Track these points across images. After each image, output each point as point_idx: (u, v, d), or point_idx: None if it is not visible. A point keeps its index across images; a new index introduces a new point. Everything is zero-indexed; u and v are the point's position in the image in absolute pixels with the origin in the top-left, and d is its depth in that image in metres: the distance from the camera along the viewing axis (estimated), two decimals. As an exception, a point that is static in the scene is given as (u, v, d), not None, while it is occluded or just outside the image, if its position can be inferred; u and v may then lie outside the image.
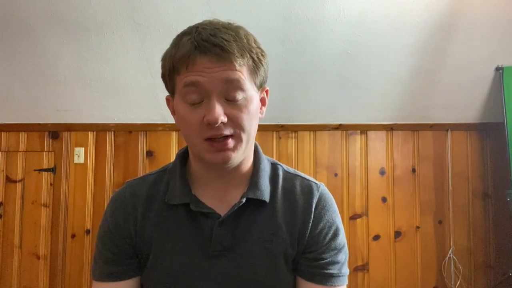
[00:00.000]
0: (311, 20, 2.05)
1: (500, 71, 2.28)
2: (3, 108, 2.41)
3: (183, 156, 0.87)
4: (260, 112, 0.81)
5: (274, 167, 0.86)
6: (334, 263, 0.79)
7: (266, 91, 0.84)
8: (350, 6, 2.01)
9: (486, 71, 2.31)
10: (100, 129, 2.49)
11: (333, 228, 0.80)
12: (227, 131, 0.72)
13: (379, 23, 2.09)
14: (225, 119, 0.70)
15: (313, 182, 0.86)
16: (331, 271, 0.78)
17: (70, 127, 2.48)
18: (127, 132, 2.50)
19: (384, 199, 2.50)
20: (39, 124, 2.47)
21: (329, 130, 2.52)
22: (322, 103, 2.42)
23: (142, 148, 2.49)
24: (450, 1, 2.02)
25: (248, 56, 0.74)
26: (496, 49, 2.23)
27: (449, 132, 2.53)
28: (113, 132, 2.50)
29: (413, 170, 2.53)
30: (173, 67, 0.74)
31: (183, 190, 0.79)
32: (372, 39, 2.14)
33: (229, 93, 0.71)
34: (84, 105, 2.40)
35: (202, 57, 0.70)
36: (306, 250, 0.78)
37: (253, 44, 0.76)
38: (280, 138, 2.52)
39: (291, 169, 0.88)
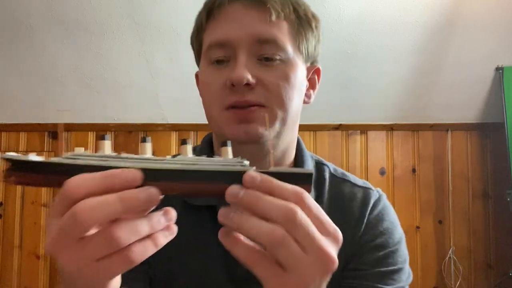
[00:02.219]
0: (311, 20, 2.05)
1: (500, 71, 2.28)
2: (3, 108, 2.41)
3: (210, 142, 0.69)
4: (306, 95, 0.65)
5: (319, 167, 0.71)
6: (387, 277, 0.62)
7: (318, 71, 0.68)
8: (350, 6, 2.01)
9: (486, 71, 2.31)
10: (100, 129, 2.48)
11: (390, 239, 0.64)
12: (254, 98, 0.55)
13: (379, 23, 2.08)
14: (252, 80, 0.54)
15: (368, 188, 0.70)
16: (383, 286, 0.60)
17: (70, 127, 2.48)
18: (127, 132, 2.49)
19: (384, 199, 2.50)
20: (39, 124, 2.47)
21: (329, 130, 2.52)
22: (322, 103, 2.42)
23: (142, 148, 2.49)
24: (450, 1, 2.02)
25: (292, 8, 0.58)
26: (496, 49, 2.22)
27: (449, 132, 2.53)
28: (113, 132, 2.49)
29: (413, 170, 2.53)
30: (200, 24, 0.62)
31: None
32: (372, 39, 2.14)
33: (262, 50, 0.56)
34: (84, 105, 2.40)
35: (232, 1, 0.57)
36: (351, 266, 0.62)
37: (302, 1, 0.62)
38: (280, 138, 2.52)
39: (340, 171, 0.73)
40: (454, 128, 2.53)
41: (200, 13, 0.62)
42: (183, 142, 0.43)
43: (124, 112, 2.43)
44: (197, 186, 0.41)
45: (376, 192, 0.70)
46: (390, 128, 2.53)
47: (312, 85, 0.68)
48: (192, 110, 2.32)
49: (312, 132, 2.52)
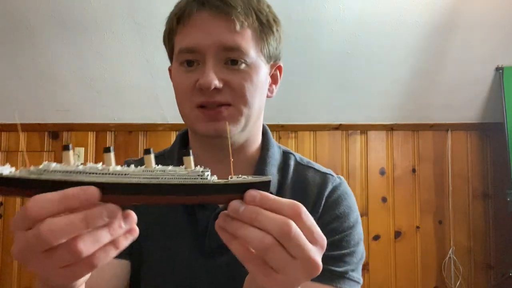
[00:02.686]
0: (311, 20, 2.05)
1: (500, 71, 2.28)
2: (3, 108, 2.41)
3: (183, 137, 0.76)
4: (269, 90, 0.71)
5: (285, 156, 0.76)
6: (339, 260, 0.66)
7: (279, 68, 0.74)
8: (350, 6, 2.01)
9: (486, 71, 2.31)
10: (100, 129, 2.48)
11: (344, 224, 0.69)
12: (222, 99, 0.62)
13: (379, 23, 2.08)
14: (220, 85, 0.61)
15: (329, 174, 0.75)
16: (334, 268, 0.65)
17: (70, 127, 2.48)
18: (127, 132, 2.49)
19: (384, 199, 2.50)
20: (39, 124, 2.47)
21: (329, 130, 2.52)
22: (322, 103, 2.42)
23: (142, 148, 2.49)
24: (450, 1, 2.02)
25: (255, 16, 0.63)
26: (496, 49, 2.22)
27: (449, 132, 2.53)
28: (113, 132, 2.49)
29: (413, 170, 2.53)
30: (172, 27, 0.67)
31: None
32: (372, 39, 2.14)
33: (228, 56, 0.62)
34: (84, 105, 2.40)
35: (200, 10, 0.62)
36: None
37: (264, 7, 0.66)
38: (280, 138, 2.52)
39: (305, 159, 0.77)
40: (454, 128, 2.53)
41: (171, 17, 0.68)
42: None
43: (124, 112, 2.43)
44: (160, 198, 0.43)
45: (337, 178, 0.75)
46: (390, 128, 2.53)
47: (274, 80, 0.73)
48: (192, 110, 2.32)
49: (312, 132, 2.52)
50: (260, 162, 0.70)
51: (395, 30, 2.11)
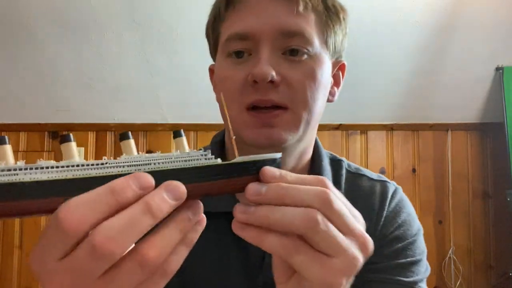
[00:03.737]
0: (311, 20, 2.05)
1: (500, 71, 2.28)
2: (3, 108, 2.41)
3: (220, 144, 0.62)
4: (330, 93, 0.61)
5: (335, 164, 0.67)
6: (406, 269, 0.59)
7: (343, 67, 0.63)
8: (350, 6, 2.01)
9: (486, 71, 2.31)
10: (100, 129, 2.48)
11: (408, 231, 0.63)
12: (278, 99, 0.50)
13: (379, 23, 2.08)
14: (276, 78, 0.49)
15: (385, 181, 0.67)
16: (402, 279, 0.57)
17: (70, 127, 2.48)
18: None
19: (384, 199, 2.50)
20: (39, 124, 2.47)
21: (329, 130, 2.52)
22: (322, 103, 2.42)
23: (142, 148, 2.49)
24: (450, 1, 2.02)
25: None
26: (496, 49, 2.22)
27: (449, 132, 2.53)
28: (113, 132, 2.49)
29: (413, 170, 2.53)
30: (217, 13, 0.55)
31: None
32: (372, 39, 2.14)
33: (288, 43, 0.51)
34: (84, 105, 2.40)
35: None
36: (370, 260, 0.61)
37: None
38: (280, 138, 2.52)
39: (353, 165, 0.70)
40: (454, 128, 2.53)
41: (217, 4, 0.56)
42: (123, 137, 0.34)
43: (124, 112, 2.43)
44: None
45: (393, 185, 0.68)
46: (390, 128, 2.53)
47: (336, 82, 0.64)
48: (192, 110, 2.32)
49: (312, 132, 2.52)
50: None
51: (395, 30, 2.11)
